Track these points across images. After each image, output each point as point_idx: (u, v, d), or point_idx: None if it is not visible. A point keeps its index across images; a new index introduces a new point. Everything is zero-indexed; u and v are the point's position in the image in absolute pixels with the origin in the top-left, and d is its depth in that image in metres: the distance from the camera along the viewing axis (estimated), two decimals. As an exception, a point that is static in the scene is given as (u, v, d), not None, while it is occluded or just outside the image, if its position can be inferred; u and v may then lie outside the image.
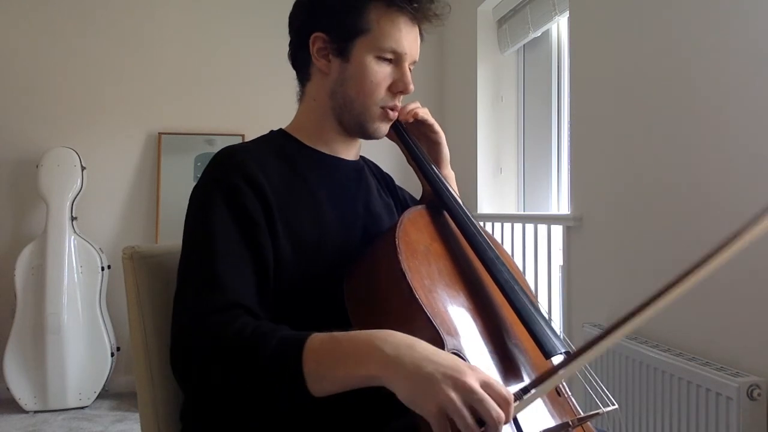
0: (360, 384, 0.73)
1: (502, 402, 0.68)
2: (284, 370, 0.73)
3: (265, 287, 0.88)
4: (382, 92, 0.98)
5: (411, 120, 1.07)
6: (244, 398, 0.77)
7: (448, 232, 0.99)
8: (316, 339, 0.75)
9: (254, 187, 0.90)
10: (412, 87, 1.00)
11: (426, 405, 0.67)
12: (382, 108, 0.99)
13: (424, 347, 0.71)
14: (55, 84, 3.38)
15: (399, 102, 1.02)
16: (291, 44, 1.05)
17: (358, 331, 0.76)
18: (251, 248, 0.87)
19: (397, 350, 0.71)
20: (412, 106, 1.07)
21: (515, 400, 0.71)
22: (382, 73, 0.97)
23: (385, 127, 1.02)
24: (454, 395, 0.67)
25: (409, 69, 1.01)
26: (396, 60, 0.98)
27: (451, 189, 1.04)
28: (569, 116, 2.26)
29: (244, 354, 0.76)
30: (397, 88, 0.99)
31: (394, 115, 1.02)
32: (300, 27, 1.02)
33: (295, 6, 1.04)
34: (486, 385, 0.69)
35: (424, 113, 1.07)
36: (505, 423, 0.68)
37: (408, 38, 0.98)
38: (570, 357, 0.75)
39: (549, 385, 0.73)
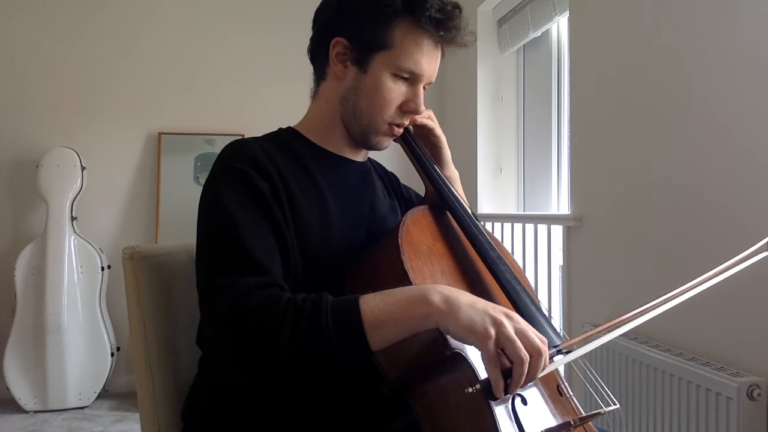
0: (415, 326, 0.77)
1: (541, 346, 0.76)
2: (346, 321, 0.76)
3: (289, 267, 0.88)
4: (392, 110, 0.98)
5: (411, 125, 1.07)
6: (305, 363, 0.77)
7: (451, 232, 0.99)
8: (368, 295, 0.79)
9: (260, 170, 0.90)
10: (423, 109, 1.00)
11: (484, 332, 0.74)
12: (389, 124, 1.00)
13: (470, 295, 0.79)
14: (55, 84, 3.38)
15: (407, 121, 1.02)
16: (312, 40, 1.04)
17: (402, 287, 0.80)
18: (273, 227, 0.88)
19: (448, 292, 0.77)
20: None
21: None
22: (396, 91, 0.97)
23: (387, 142, 1.03)
24: (506, 321, 0.75)
25: (424, 89, 1.00)
26: (412, 80, 0.98)
27: (453, 189, 1.05)
28: (569, 116, 2.26)
29: (305, 317, 0.76)
30: (408, 108, 0.99)
31: (399, 131, 1.02)
32: (323, 26, 1.01)
33: (323, 2, 1.03)
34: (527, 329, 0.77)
35: (422, 120, 1.07)
36: (535, 371, 0.75)
37: (429, 61, 0.97)
38: (593, 332, 0.82)
39: (577, 352, 0.80)
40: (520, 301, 0.91)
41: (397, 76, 0.96)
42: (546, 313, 0.93)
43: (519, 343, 0.73)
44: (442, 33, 0.96)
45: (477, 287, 0.93)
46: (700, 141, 1.59)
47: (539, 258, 2.48)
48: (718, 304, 1.52)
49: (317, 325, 0.75)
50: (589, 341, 0.80)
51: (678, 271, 1.67)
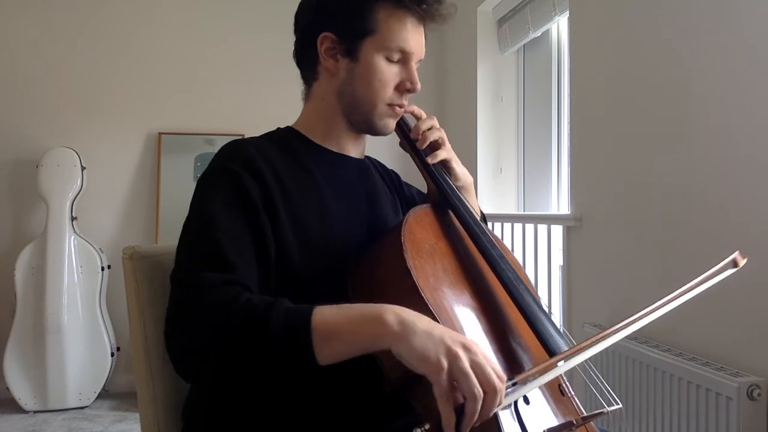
0: (366, 345, 0.75)
1: (496, 382, 0.72)
2: (294, 327, 0.75)
3: (266, 276, 0.88)
4: (390, 91, 0.99)
5: (424, 146, 1.05)
6: (247, 366, 0.77)
7: (453, 231, 0.99)
8: (324, 307, 0.77)
9: (253, 172, 0.91)
10: (419, 86, 1.01)
11: (436, 362, 0.70)
12: (389, 105, 1.00)
13: (428, 320, 0.75)
14: (55, 84, 3.38)
15: (406, 100, 1.03)
16: (297, 43, 1.05)
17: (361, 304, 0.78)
18: (253, 231, 0.88)
19: (406, 315, 0.74)
20: (424, 127, 1.05)
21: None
22: (390, 72, 0.98)
23: (392, 123, 1.03)
24: (462, 353, 0.71)
25: (416, 68, 1.01)
26: (403, 59, 0.99)
27: (455, 187, 1.05)
28: (569, 116, 2.26)
29: (255, 321, 0.76)
30: (405, 87, 1.00)
31: (401, 111, 1.03)
32: (306, 27, 1.02)
33: (300, 6, 1.04)
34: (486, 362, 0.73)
35: (443, 155, 1.06)
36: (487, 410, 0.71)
37: (415, 37, 0.99)
38: (544, 365, 0.78)
39: (529, 387, 0.76)
40: (523, 300, 0.91)
41: (388, 58, 0.98)
42: (548, 312, 0.93)
43: (474, 379, 0.70)
44: (423, 7, 0.98)
45: (479, 286, 0.93)
46: (699, 141, 1.59)
47: (539, 258, 2.48)
48: (718, 304, 1.52)
49: (265, 323, 0.75)
50: (545, 373, 0.77)
51: (678, 270, 1.67)
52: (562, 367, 0.78)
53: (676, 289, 0.84)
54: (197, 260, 0.84)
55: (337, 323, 0.75)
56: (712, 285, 0.85)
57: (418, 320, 0.74)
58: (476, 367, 0.71)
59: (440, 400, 0.70)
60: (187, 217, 0.92)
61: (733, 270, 0.86)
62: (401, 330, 0.72)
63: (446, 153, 1.07)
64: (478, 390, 0.69)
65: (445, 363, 0.70)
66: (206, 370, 0.80)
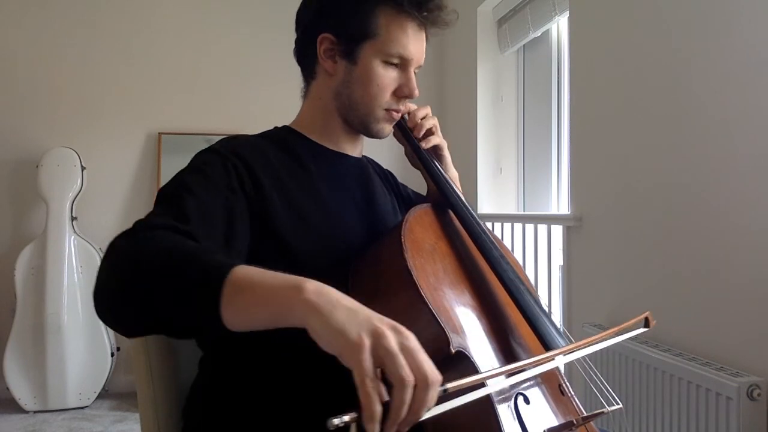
0: (276, 311, 0.64)
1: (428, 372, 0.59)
2: (210, 264, 0.67)
3: (229, 252, 0.85)
4: (387, 96, 0.99)
5: (420, 134, 1.07)
6: (153, 301, 0.68)
7: (453, 231, 0.99)
8: (253, 267, 0.67)
9: (243, 161, 0.91)
10: (417, 92, 1.01)
11: (356, 338, 0.58)
12: (386, 110, 1.00)
13: (355, 302, 0.64)
14: (55, 84, 3.38)
15: (403, 106, 1.03)
16: (297, 41, 1.06)
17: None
18: (225, 211, 0.86)
19: (329, 290, 0.64)
20: (420, 115, 1.07)
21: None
22: (388, 77, 0.98)
23: (389, 128, 1.04)
24: (390, 333, 0.59)
25: (414, 73, 1.01)
26: (402, 65, 0.99)
27: (455, 187, 1.05)
28: (569, 116, 2.26)
29: (177, 239, 0.72)
30: (402, 93, 1.00)
31: (398, 116, 1.03)
32: (308, 26, 1.02)
33: (302, 4, 1.04)
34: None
35: (436, 141, 1.09)
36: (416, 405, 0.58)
37: (415, 44, 0.98)
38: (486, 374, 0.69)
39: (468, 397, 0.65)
40: (523, 300, 0.91)
41: (386, 63, 0.98)
42: (548, 313, 0.93)
43: (402, 360, 0.57)
44: (425, 14, 0.97)
45: (480, 286, 0.93)
46: (699, 141, 1.59)
47: (539, 258, 2.48)
48: (718, 304, 1.53)
49: (181, 247, 0.70)
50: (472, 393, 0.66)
51: (677, 270, 1.67)
52: (495, 385, 0.70)
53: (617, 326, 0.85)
54: (156, 210, 0.83)
55: (255, 280, 0.65)
56: (624, 339, 0.86)
57: (344, 298, 0.63)
58: (406, 351, 0.58)
59: (361, 386, 0.56)
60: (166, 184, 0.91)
61: (644, 329, 0.88)
62: (318, 300, 0.61)
63: (439, 139, 1.09)
64: (408, 374, 0.57)
65: (366, 340, 0.58)
66: (115, 300, 0.73)
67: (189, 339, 0.98)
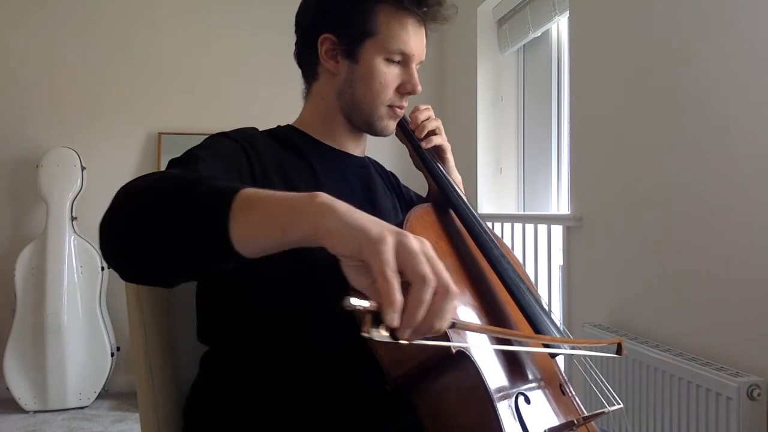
0: (287, 218, 0.60)
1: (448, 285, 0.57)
2: (219, 191, 0.63)
3: None
4: (390, 93, 1.00)
5: (422, 136, 1.07)
6: (157, 225, 0.65)
7: (454, 231, 0.99)
8: (254, 188, 0.64)
9: (251, 146, 0.94)
10: (419, 88, 1.01)
11: (378, 235, 0.55)
12: (390, 107, 1.01)
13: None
14: (55, 84, 3.38)
15: (406, 102, 1.03)
16: (297, 44, 1.06)
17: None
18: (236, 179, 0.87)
19: (339, 203, 0.60)
20: (422, 117, 1.07)
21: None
22: (390, 74, 0.98)
23: (393, 125, 1.04)
24: (411, 237, 0.57)
25: (416, 69, 1.02)
26: (404, 61, 0.99)
27: (456, 187, 1.05)
28: (569, 116, 2.26)
29: (188, 177, 0.70)
30: (405, 89, 1.00)
31: (401, 112, 1.03)
32: (307, 27, 1.03)
33: (301, 6, 1.04)
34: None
35: (438, 141, 1.09)
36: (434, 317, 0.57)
37: (416, 39, 0.99)
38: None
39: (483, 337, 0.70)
40: (524, 299, 0.91)
41: (388, 60, 0.98)
42: (550, 313, 0.93)
43: (423, 258, 0.55)
44: (424, 9, 0.98)
45: (481, 285, 0.93)
46: (700, 141, 1.59)
47: (539, 258, 2.48)
48: (718, 304, 1.53)
49: (190, 174, 0.71)
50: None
51: (677, 270, 1.67)
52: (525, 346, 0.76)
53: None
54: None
55: (265, 194, 0.62)
56: (594, 353, 0.90)
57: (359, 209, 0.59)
58: (428, 256, 0.56)
59: (381, 275, 0.54)
60: None
61: (615, 355, 0.87)
62: (333, 203, 0.59)
63: (441, 140, 1.09)
64: (430, 273, 0.55)
65: (389, 237, 0.55)
66: (118, 227, 0.72)
67: (195, 278, 0.92)
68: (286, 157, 0.97)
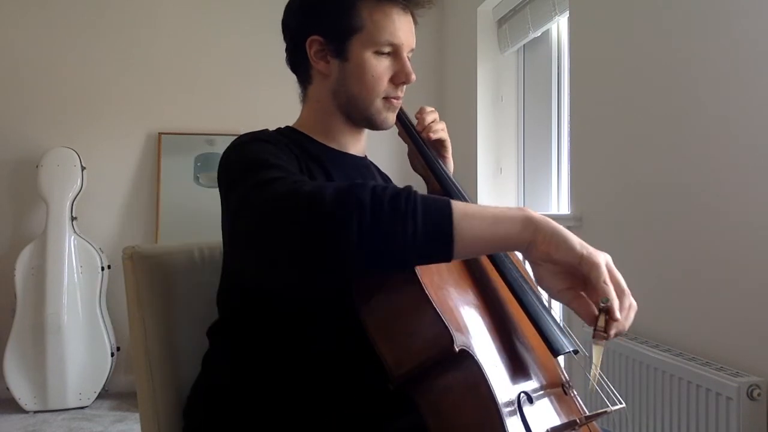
0: (507, 227, 0.71)
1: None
2: (433, 203, 0.70)
3: None
4: (384, 85, 0.99)
5: (431, 138, 1.09)
6: (375, 248, 0.68)
7: None
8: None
9: (296, 150, 0.96)
10: (413, 76, 1.01)
11: (596, 255, 0.72)
12: (386, 99, 1.01)
13: None
14: (55, 84, 3.38)
15: (402, 92, 1.03)
16: (287, 50, 1.06)
17: None
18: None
19: (542, 217, 0.73)
20: (429, 119, 1.09)
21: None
22: (381, 66, 0.98)
23: (392, 117, 1.04)
24: (611, 259, 0.74)
25: (408, 57, 1.01)
26: (394, 52, 0.99)
27: (460, 187, 1.05)
28: (569, 116, 2.26)
29: (386, 197, 0.69)
30: (399, 79, 1.00)
31: (398, 103, 1.03)
32: (294, 32, 1.03)
33: (286, 12, 1.05)
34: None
35: (440, 135, 1.10)
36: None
37: (403, 28, 0.99)
38: None
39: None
40: (527, 299, 0.91)
41: (378, 52, 0.98)
42: (551, 312, 0.93)
43: (621, 277, 0.75)
44: None
45: (483, 285, 0.93)
46: (699, 141, 1.59)
47: (539, 258, 2.47)
48: (718, 303, 1.53)
49: (398, 202, 0.68)
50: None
51: (678, 270, 1.67)
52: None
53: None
54: (254, 174, 0.79)
55: (475, 207, 0.72)
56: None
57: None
58: (621, 278, 0.75)
59: (604, 283, 0.71)
60: (223, 187, 0.88)
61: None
62: (548, 222, 0.72)
63: (444, 134, 1.10)
64: (626, 287, 0.74)
65: (601, 255, 0.72)
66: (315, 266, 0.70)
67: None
68: (301, 156, 0.98)
